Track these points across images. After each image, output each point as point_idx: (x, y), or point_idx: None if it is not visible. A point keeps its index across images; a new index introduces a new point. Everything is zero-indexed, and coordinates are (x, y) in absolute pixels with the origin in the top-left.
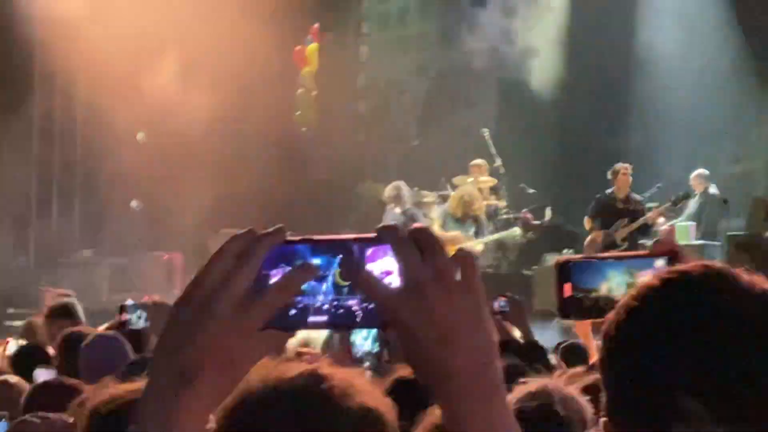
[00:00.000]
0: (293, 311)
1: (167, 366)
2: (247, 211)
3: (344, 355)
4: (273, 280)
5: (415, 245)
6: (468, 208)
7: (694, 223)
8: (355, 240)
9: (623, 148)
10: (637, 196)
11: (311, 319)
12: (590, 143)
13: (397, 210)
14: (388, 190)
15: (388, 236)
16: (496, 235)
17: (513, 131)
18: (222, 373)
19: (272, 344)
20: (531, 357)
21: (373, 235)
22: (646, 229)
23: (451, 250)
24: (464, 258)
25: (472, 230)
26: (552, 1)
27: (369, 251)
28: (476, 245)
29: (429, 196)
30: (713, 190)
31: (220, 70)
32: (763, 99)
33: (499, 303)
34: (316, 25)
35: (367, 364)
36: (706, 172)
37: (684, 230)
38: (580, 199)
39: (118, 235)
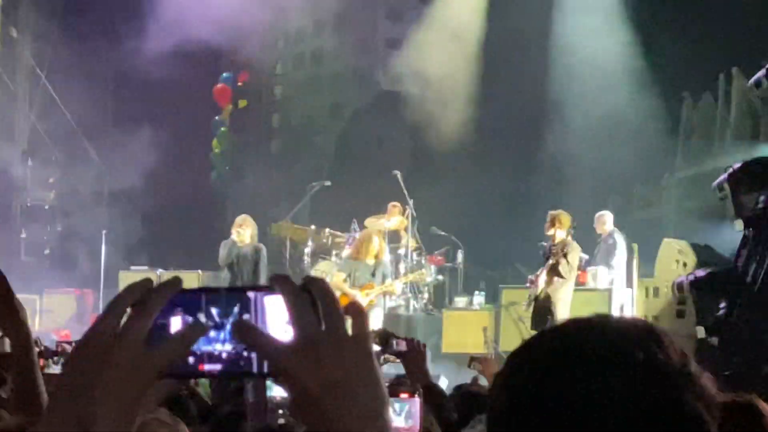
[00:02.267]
0: (189, 359)
1: (64, 413)
2: (157, 249)
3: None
4: (171, 330)
5: (308, 296)
6: (369, 250)
7: (602, 267)
8: (251, 289)
9: (534, 193)
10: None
11: (207, 367)
12: (501, 186)
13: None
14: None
15: (281, 286)
16: (410, 276)
17: (425, 174)
18: (117, 422)
19: (166, 392)
20: (430, 401)
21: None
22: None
23: (363, 297)
24: (355, 311)
25: (376, 270)
26: (466, 47)
27: (268, 300)
28: (391, 286)
29: (341, 237)
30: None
31: None
32: (672, 145)
33: (398, 345)
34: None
35: (280, 411)
36: (609, 213)
37: (593, 274)
38: (490, 243)
39: (30, 270)
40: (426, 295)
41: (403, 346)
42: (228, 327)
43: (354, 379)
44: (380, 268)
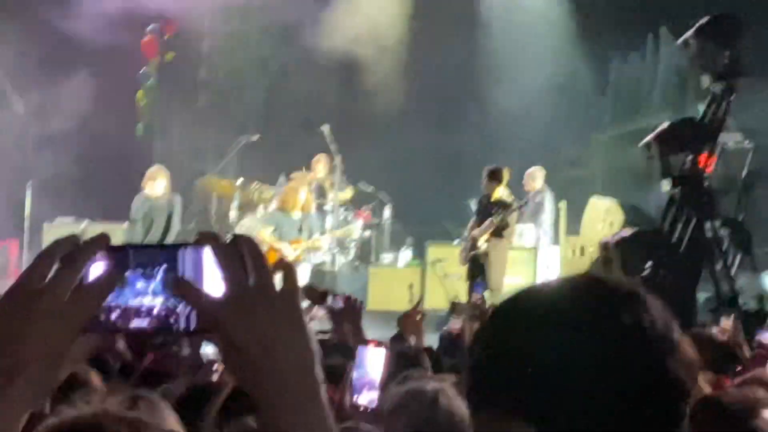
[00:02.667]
0: (115, 315)
1: None
2: (81, 199)
3: None
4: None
5: (237, 252)
6: (295, 201)
7: (530, 225)
8: (179, 246)
9: (461, 150)
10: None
11: (134, 323)
12: (428, 144)
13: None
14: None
15: (209, 243)
16: (336, 232)
17: (353, 129)
18: (43, 372)
19: (93, 346)
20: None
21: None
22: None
23: (291, 251)
24: (285, 268)
25: (303, 224)
26: (397, 3)
27: (195, 256)
28: (317, 242)
29: (268, 191)
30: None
31: None
32: (601, 104)
33: (335, 301)
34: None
35: (214, 368)
36: (540, 169)
37: (519, 232)
38: (417, 199)
39: None
40: (352, 251)
41: (340, 303)
42: (156, 283)
43: (284, 333)
44: (307, 222)
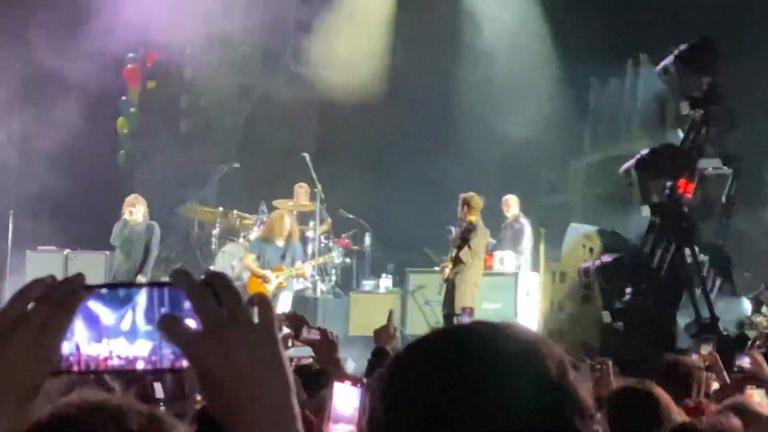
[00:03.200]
0: (90, 356)
1: None
2: (65, 229)
3: None
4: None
5: (209, 289)
6: (281, 229)
7: (509, 251)
8: (153, 285)
9: (441, 177)
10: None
11: (110, 363)
12: (409, 170)
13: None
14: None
15: (181, 281)
16: (318, 259)
17: (333, 156)
18: (17, 408)
19: (69, 385)
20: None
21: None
22: None
23: (274, 279)
24: (260, 301)
25: (287, 252)
26: (375, 30)
27: (169, 294)
28: (301, 269)
29: (249, 219)
30: (523, 218)
31: None
32: (580, 130)
33: (311, 333)
34: (143, 48)
35: (198, 397)
36: (514, 197)
37: (500, 259)
38: (398, 226)
39: None
40: (333, 278)
41: (315, 335)
42: (129, 324)
43: (261, 366)
44: (290, 250)
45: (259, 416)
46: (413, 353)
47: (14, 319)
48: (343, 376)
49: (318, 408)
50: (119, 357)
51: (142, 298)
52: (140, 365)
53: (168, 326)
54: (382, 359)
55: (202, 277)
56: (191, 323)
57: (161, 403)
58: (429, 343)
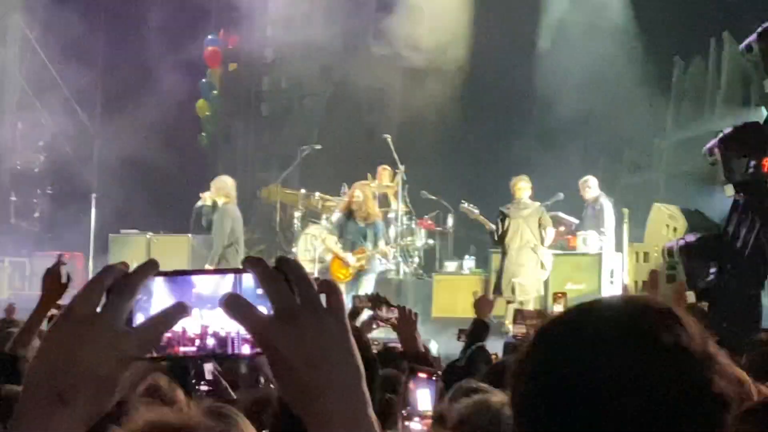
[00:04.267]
0: (164, 342)
1: (44, 384)
2: (149, 213)
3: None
4: (142, 316)
5: (281, 275)
6: (361, 211)
7: (592, 231)
8: (226, 271)
9: (523, 156)
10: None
11: (182, 349)
12: (490, 151)
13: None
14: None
15: (254, 267)
16: (399, 242)
17: (415, 138)
18: (96, 398)
19: (143, 374)
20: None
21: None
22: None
23: (359, 259)
24: (329, 286)
25: (368, 232)
26: (457, 11)
27: (246, 280)
28: (383, 251)
29: (331, 201)
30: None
31: None
32: (661, 109)
33: (389, 312)
34: (223, 30)
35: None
36: (593, 178)
37: (583, 239)
38: (480, 207)
39: (20, 234)
40: (416, 260)
41: (394, 314)
42: (204, 308)
43: (332, 353)
44: (372, 231)
45: (331, 403)
46: (561, 330)
47: (87, 309)
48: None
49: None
50: (187, 343)
51: (218, 283)
52: (207, 353)
53: (234, 306)
54: (482, 330)
55: (273, 263)
56: (263, 309)
57: (210, 386)
58: (575, 318)
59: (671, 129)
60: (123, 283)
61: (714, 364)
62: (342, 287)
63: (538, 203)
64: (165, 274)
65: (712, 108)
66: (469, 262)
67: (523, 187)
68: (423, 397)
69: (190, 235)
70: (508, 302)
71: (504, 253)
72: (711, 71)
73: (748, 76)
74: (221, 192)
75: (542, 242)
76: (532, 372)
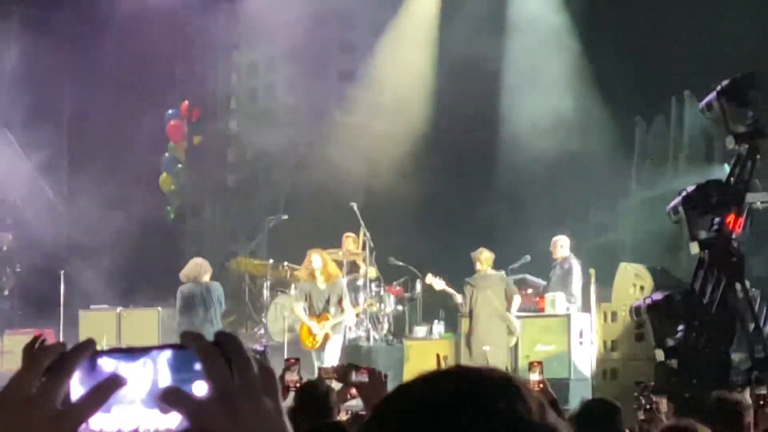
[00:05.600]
0: (101, 426)
1: None
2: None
3: None
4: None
5: (220, 352)
6: (322, 275)
7: (560, 293)
8: (163, 348)
9: (490, 219)
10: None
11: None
12: (457, 215)
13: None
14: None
15: (193, 344)
16: (363, 305)
17: (381, 204)
18: None
19: None
20: None
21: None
22: None
23: (320, 329)
24: (266, 369)
25: (331, 294)
26: (417, 77)
27: (182, 356)
28: (348, 315)
29: (299, 270)
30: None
31: None
32: (625, 169)
33: (360, 375)
34: (185, 102)
35: None
36: (565, 238)
37: (551, 301)
38: (448, 272)
39: None
40: (386, 326)
41: (364, 377)
42: (140, 390)
43: (271, 430)
44: (334, 292)
45: None
46: (397, 398)
47: (26, 391)
48: None
49: None
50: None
51: (154, 360)
52: None
53: (172, 399)
54: None
55: (213, 339)
56: (201, 385)
57: None
58: (413, 387)
59: (635, 189)
60: (60, 363)
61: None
62: (312, 354)
63: (502, 272)
64: (101, 353)
65: (675, 166)
66: (438, 327)
67: (485, 258)
68: None
69: (159, 308)
70: None
71: (472, 323)
72: (673, 130)
73: (710, 134)
74: (203, 269)
75: (509, 309)
76: None
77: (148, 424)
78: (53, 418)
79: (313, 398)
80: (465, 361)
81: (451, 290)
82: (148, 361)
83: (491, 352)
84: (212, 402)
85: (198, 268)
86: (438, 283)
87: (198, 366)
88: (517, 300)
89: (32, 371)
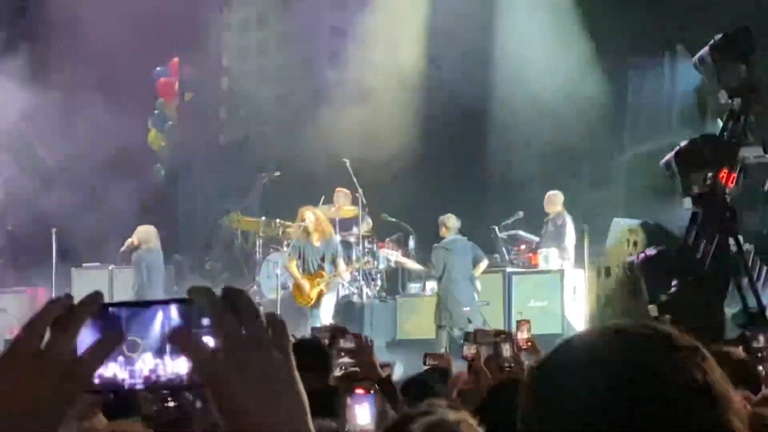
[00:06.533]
0: (109, 375)
1: None
2: (110, 246)
3: None
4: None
5: (228, 305)
6: (316, 232)
7: (553, 248)
8: (170, 302)
9: (483, 177)
10: None
11: (127, 382)
12: (450, 171)
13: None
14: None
15: (201, 297)
16: (355, 265)
17: (374, 160)
18: None
19: (86, 407)
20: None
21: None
22: None
23: (314, 287)
24: (275, 321)
25: (326, 252)
26: (410, 33)
27: (190, 311)
28: (341, 272)
29: (292, 227)
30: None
31: None
32: (620, 124)
33: (347, 341)
34: (176, 59)
35: None
36: (558, 193)
37: (544, 256)
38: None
39: None
40: (379, 283)
41: (351, 343)
42: (149, 339)
43: (276, 386)
44: (329, 250)
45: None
46: (569, 353)
47: (33, 346)
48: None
49: None
50: (133, 378)
51: (164, 313)
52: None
53: (181, 340)
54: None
55: (220, 293)
56: (209, 341)
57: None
58: (585, 344)
59: (629, 144)
60: (67, 317)
61: (733, 406)
62: (306, 311)
63: (465, 238)
64: (109, 305)
65: (668, 122)
66: (431, 283)
67: (452, 225)
68: (362, 412)
69: None
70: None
71: (449, 285)
72: (666, 85)
73: (703, 89)
74: (144, 239)
75: (477, 272)
76: (534, 394)
77: (159, 371)
78: (62, 372)
79: (309, 355)
80: (446, 322)
81: (404, 259)
82: (158, 313)
83: (470, 312)
84: (220, 353)
85: (149, 235)
86: (393, 255)
87: (206, 321)
88: (485, 264)
89: (39, 326)
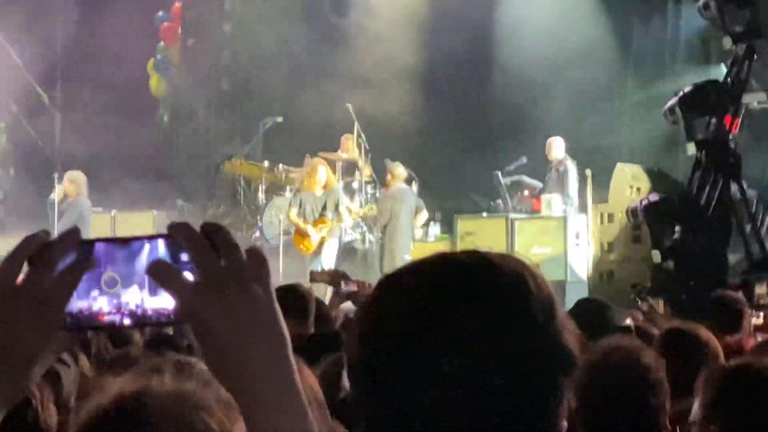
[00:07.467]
0: (86, 311)
1: None
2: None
3: None
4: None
5: (208, 241)
6: (315, 180)
7: (556, 194)
8: (149, 238)
9: (485, 122)
10: None
11: (106, 318)
12: (453, 117)
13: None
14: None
15: (180, 233)
16: (359, 212)
17: (377, 106)
18: (17, 372)
19: (65, 344)
20: None
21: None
22: None
23: (316, 232)
24: (256, 255)
25: (328, 201)
26: None
27: (169, 246)
28: (342, 217)
29: (294, 173)
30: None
31: None
32: (626, 70)
33: (348, 286)
34: (178, 4)
35: None
36: (560, 139)
37: (547, 202)
38: (445, 173)
39: None
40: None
41: (353, 287)
42: (128, 275)
43: (258, 320)
44: (331, 199)
45: (256, 371)
46: (396, 280)
47: (9, 283)
48: None
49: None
50: (111, 314)
51: (143, 249)
52: (133, 321)
53: (160, 272)
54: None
55: (200, 228)
56: (189, 276)
57: None
58: (411, 272)
59: (632, 89)
60: (44, 252)
61: (550, 338)
62: (307, 258)
63: (409, 188)
64: (89, 241)
65: (672, 67)
66: (434, 228)
67: (399, 174)
68: None
69: (154, 211)
70: None
71: (394, 234)
72: (670, 30)
73: (707, 35)
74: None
75: (417, 222)
76: (359, 322)
77: (143, 304)
78: (37, 310)
79: (288, 300)
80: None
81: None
82: (141, 247)
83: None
84: (200, 286)
85: (82, 183)
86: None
87: (186, 256)
88: (424, 215)
89: (14, 262)
